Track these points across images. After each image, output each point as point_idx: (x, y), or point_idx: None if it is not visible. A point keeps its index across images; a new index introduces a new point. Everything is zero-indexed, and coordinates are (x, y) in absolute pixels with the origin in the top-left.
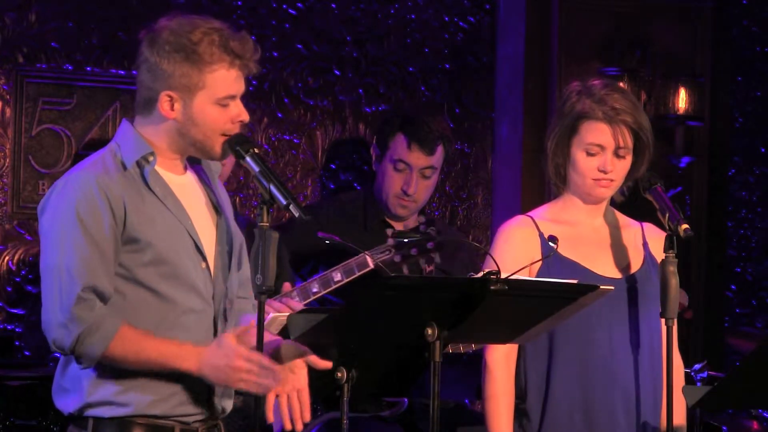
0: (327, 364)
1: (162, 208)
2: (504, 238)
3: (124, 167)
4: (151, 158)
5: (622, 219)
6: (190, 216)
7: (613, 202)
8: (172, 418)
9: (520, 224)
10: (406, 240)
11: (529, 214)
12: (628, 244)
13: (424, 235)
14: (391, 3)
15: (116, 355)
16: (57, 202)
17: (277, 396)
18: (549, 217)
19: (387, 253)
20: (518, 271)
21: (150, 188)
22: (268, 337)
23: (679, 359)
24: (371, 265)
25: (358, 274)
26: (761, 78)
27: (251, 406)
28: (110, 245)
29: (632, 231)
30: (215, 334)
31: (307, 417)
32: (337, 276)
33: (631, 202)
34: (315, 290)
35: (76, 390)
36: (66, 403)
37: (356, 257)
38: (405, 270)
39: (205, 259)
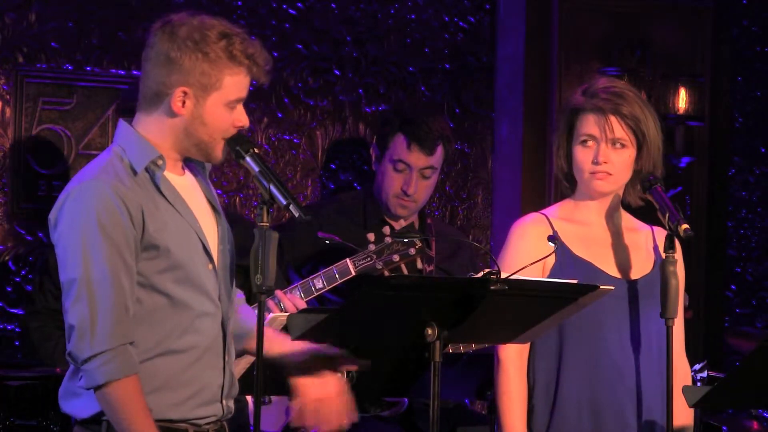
0: (358, 366)
1: (173, 212)
2: (518, 235)
3: (134, 172)
4: (160, 162)
5: (634, 222)
6: (197, 218)
7: (627, 206)
8: (186, 422)
9: (534, 222)
10: (406, 240)
11: (543, 212)
12: (639, 247)
13: (423, 236)
14: (391, 3)
15: (112, 395)
16: (73, 212)
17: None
18: (562, 215)
19: (369, 259)
20: (522, 269)
21: (161, 193)
22: (285, 343)
23: (686, 362)
24: (353, 272)
25: (339, 281)
26: (761, 78)
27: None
28: (132, 253)
29: (643, 234)
30: (224, 336)
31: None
32: (319, 283)
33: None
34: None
35: (88, 394)
36: (78, 408)
37: (338, 264)
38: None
39: (211, 260)
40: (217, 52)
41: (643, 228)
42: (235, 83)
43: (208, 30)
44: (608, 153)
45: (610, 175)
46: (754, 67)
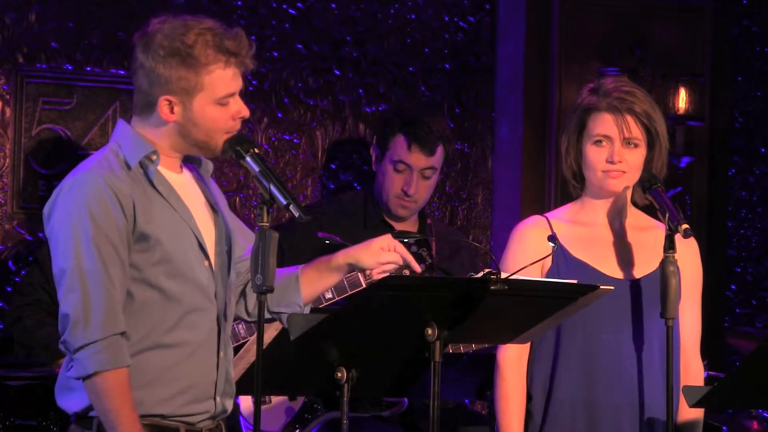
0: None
1: (167, 206)
2: (517, 238)
3: (128, 167)
4: (154, 157)
5: (645, 221)
6: (193, 215)
7: (637, 205)
8: (177, 418)
9: (533, 224)
10: (406, 240)
11: (546, 214)
12: (647, 246)
13: (423, 236)
14: (391, 3)
15: (100, 385)
16: (66, 204)
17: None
18: (566, 217)
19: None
20: (521, 270)
21: (155, 187)
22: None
23: (699, 361)
24: (364, 285)
25: (350, 292)
26: (761, 78)
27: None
28: (123, 245)
29: (653, 233)
30: (219, 333)
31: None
32: (328, 294)
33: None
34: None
35: (81, 389)
36: (70, 403)
37: (349, 275)
38: None
39: (207, 257)
40: (191, 55)
41: (656, 227)
42: (218, 80)
43: (180, 34)
44: (623, 152)
45: (624, 173)
46: (754, 67)
